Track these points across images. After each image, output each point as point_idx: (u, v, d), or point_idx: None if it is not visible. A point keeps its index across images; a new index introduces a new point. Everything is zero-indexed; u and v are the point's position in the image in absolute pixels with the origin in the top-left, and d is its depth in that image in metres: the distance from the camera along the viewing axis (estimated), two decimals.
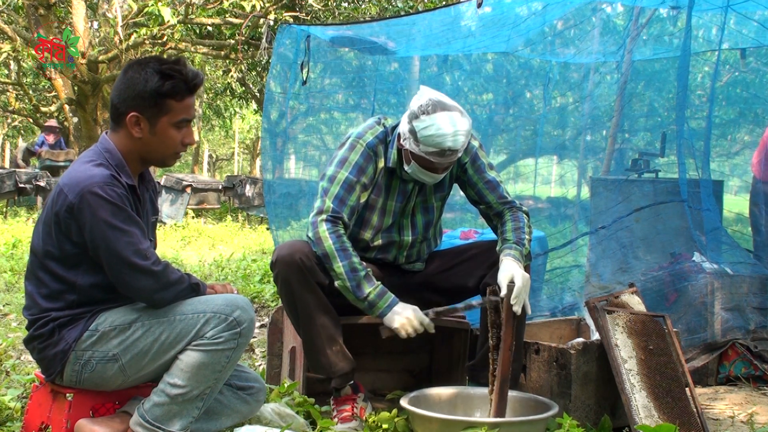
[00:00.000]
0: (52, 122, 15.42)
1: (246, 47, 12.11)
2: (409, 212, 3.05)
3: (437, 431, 2.58)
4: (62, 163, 14.00)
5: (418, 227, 3.08)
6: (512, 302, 2.67)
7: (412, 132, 2.77)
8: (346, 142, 2.96)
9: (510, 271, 2.73)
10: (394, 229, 3.05)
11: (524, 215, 3.00)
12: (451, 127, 2.72)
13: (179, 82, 2.37)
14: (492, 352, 2.69)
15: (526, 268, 2.87)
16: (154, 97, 2.35)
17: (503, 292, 2.69)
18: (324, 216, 2.82)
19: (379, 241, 3.04)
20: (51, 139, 14.64)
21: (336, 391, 2.91)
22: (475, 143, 3.03)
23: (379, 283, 2.80)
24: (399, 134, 2.89)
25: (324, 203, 2.85)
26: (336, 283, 2.80)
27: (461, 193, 3.18)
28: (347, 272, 2.76)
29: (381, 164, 2.94)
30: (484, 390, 2.85)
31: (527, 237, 2.92)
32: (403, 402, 2.68)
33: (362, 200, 2.92)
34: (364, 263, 2.83)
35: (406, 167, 2.89)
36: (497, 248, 2.91)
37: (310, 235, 2.82)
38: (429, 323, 2.77)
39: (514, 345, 2.69)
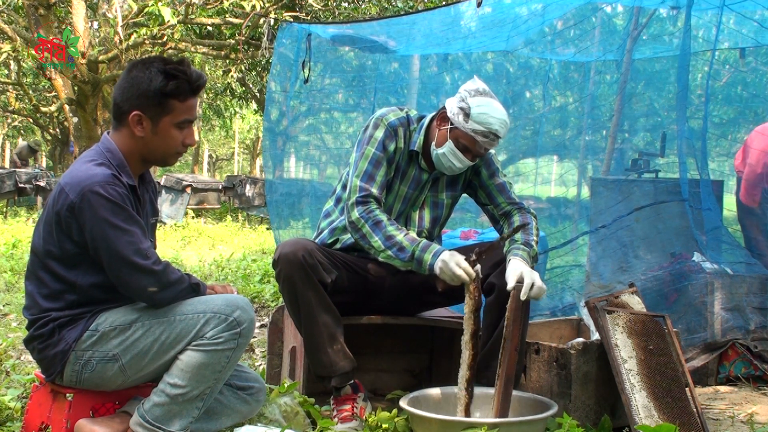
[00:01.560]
0: None
1: (246, 47, 12.11)
2: (418, 205, 3.08)
3: None
4: None
5: (425, 221, 3.10)
6: (522, 298, 2.67)
7: (464, 109, 2.85)
8: (371, 122, 3.01)
9: (518, 269, 2.74)
10: (402, 219, 3.07)
11: (532, 217, 3.03)
12: (502, 114, 2.85)
13: (183, 82, 2.37)
14: (471, 339, 2.69)
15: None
16: (157, 96, 2.35)
17: (510, 285, 2.70)
18: (353, 199, 2.88)
19: None
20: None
21: (336, 390, 2.91)
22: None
23: (420, 240, 2.82)
24: (437, 116, 2.96)
25: (352, 183, 2.91)
26: (380, 257, 2.84)
27: (463, 194, 3.20)
28: (384, 243, 2.81)
29: (401, 144, 2.99)
30: (485, 390, 2.86)
31: (534, 238, 2.94)
32: (403, 403, 2.68)
33: (390, 176, 2.98)
34: (401, 227, 2.86)
35: (437, 149, 2.93)
36: (504, 249, 2.92)
37: (347, 221, 2.90)
38: (470, 271, 2.71)
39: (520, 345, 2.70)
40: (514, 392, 2.77)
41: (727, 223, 4.52)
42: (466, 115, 2.84)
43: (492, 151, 3.07)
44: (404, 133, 3.01)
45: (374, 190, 2.89)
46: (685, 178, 3.97)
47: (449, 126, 2.90)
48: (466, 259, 2.73)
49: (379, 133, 2.95)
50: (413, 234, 2.88)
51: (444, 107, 2.97)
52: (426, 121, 3.02)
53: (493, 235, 4.37)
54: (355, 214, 2.86)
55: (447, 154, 2.91)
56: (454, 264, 2.71)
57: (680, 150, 4.04)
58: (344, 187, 3.03)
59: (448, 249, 2.82)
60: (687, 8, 3.89)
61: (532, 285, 2.69)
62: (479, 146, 2.88)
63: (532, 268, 2.85)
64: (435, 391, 2.89)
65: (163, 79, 2.34)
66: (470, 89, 2.88)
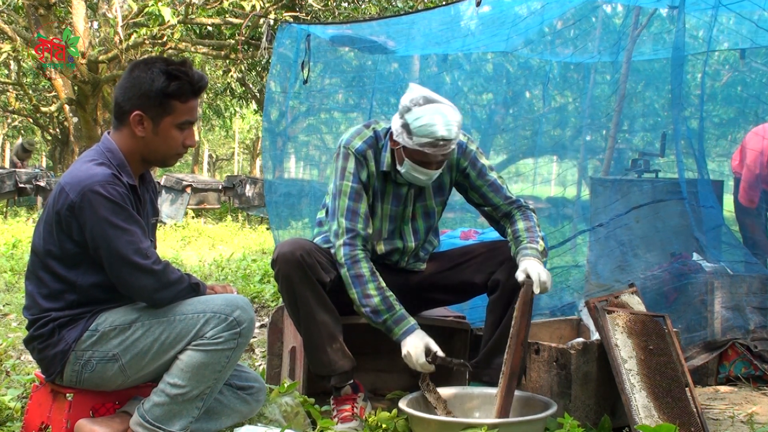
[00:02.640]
0: None
1: (246, 47, 12.11)
2: (408, 218, 3.05)
3: None
4: None
5: (420, 233, 3.08)
6: (536, 292, 2.69)
7: (405, 126, 2.77)
8: (339, 151, 2.96)
9: (528, 266, 2.74)
10: (396, 236, 3.04)
11: (532, 213, 3.01)
12: (444, 116, 2.74)
13: (185, 83, 2.37)
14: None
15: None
16: (159, 97, 2.35)
17: (519, 279, 2.71)
18: (341, 240, 2.85)
19: (382, 249, 3.04)
20: None
21: (336, 390, 2.91)
22: (473, 146, 3.03)
23: (396, 308, 2.81)
24: (391, 133, 2.89)
25: (338, 223, 2.87)
26: (354, 308, 2.84)
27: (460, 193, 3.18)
28: (360, 300, 2.80)
29: (372, 168, 2.94)
30: (484, 390, 2.86)
31: (540, 234, 2.93)
32: (402, 404, 2.69)
33: (370, 201, 2.94)
34: (382, 287, 2.83)
35: (399, 168, 2.89)
36: (513, 251, 2.91)
37: (336, 259, 2.86)
38: (424, 363, 2.76)
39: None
40: (516, 392, 2.76)
41: (727, 223, 4.53)
42: (408, 132, 2.77)
43: (472, 147, 3.02)
44: (374, 154, 2.95)
45: (360, 227, 2.86)
46: (683, 177, 3.97)
47: (400, 145, 2.84)
48: (428, 356, 2.75)
49: (351, 164, 2.90)
50: (391, 297, 2.82)
51: None
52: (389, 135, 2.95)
53: (493, 235, 4.37)
54: (341, 257, 2.83)
55: (409, 171, 2.87)
56: (415, 358, 2.74)
57: (678, 149, 4.04)
58: (334, 198, 2.99)
59: (419, 330, 2.79)
60: (680, 7, 3.90)
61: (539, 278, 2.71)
62: (434, 156, 2.80)
63: (544, 264, 2.85)
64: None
65: (165, 80, 2.35)
66: (406, 102, 2.79)
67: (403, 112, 2.79)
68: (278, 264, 2.81)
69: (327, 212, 3.07)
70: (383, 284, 2.83)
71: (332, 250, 2.88)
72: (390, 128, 2.94)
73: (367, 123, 3.03)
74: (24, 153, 15.90)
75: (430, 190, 3.04)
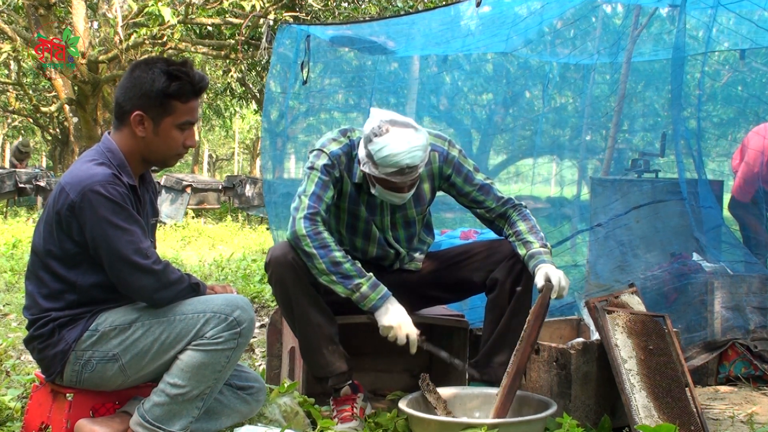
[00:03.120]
0: None
1: (246, 47, 12.11)
2: (388, 227, 3.02)
3: None
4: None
5: (402, 242, 3.07)
6: (553, 297, 2.70)
7: (369, 156, 2.72)
8: (312, 152, 2.92)
9: (549, 272, 2.75)
10: (384, 243, 3.04)
11: (528, 211, 3.00)
12: (406, 144, 2.66)
13: (186, 84, 2.37)
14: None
15: None
16: (159, 97, 2.35)
17: (539, 283, 2.72)
18: (301, 214, 2.77)
19: (374, 251, 3.04)
20: None
21: (336, 391, 2.91)
22: (455, 152, 2.98)
23: (370, 274, 2.77)
24: (359, 159, 2.84)
25: (300, 201, 2.81)
26: (322, 280, 2.76)
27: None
28: (329, 267, 2.72)
29: (345, 173, 2.89)
30: (485, 390, 2.86)
31: (542, 233, 2.92)
32: (402, 404, 2.69)
33: (335, 202, 2.90)
34: (349, 257, 2.79)
35: (372, 190, 2.86)
36: (522, 253, 2.88)
37: (288, 235, 2.78)
38: (414, 340, 2.73)
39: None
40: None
41: (727, 223, 4.53)
42: (373, 162, 2.70)
43: (454, 152, 2.96)
44: (347, 161, 2.89)
45: (322, 210, 2.80)
46: (683, 176, 3.97)
47: (367, 171, 2.77)
48: (419, 336, 2.74)
49: (321, 161, 2.84)
50: (358, 264, 2.78)
51: None
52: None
53: (492, 235, 4.37)
54: (302, 229, 2.73)
55: (383, 194, 2.84)
56: (406, 330, 2.71)
57: (677, 149, 4.04)
58: (301, 185, 2.95)
59: (395, 300, 2.75)
60: (681, 7, 3.90)
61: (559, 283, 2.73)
62: (402, 183, 2.76)
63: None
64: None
65: (165, 80, 2.35)
66: (367, 131, 2.72)
67: (366, 141, 2.73)
68: (271, 267, 2.80)
69: None
70: (347, 254, 2.79)
71: (289, 224, 2.80)
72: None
73: (343, 130, 2.96)
74: (21, 155, 15.90)
75: (409, 201, 2.99)
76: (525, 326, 2.69)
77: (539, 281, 2.74)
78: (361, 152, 2.78)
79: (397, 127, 2.69)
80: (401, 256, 3.09)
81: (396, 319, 2.73)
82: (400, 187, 2.80)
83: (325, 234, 2.76)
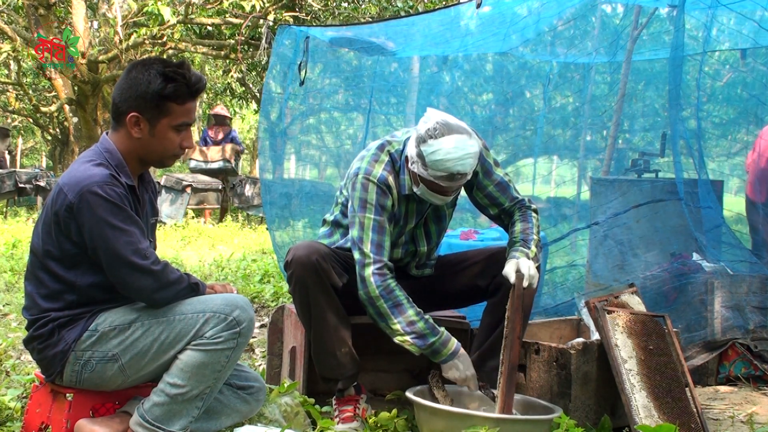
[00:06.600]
0: (219, 109, 12.49)
1: (246, 47, 12.10)
2: (421, 223, 3.02)
3: (442, 425, 2.57)
4: (216, 166, 12.04)
5: (433, 236, 3.06)
6: (525, 285, 2.68)
7: (420, 156, 2.70)
8: (357, 181, 2.84)
9: (516, 263, 2.73)
10: (409, 242, 3.02)
11: (533, 213, 2.97)
12: (460, 150, 2.65)
13: (182, 85, 2.37)
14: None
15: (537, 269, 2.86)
16: (155, 98, 2.35)
17: (511, 278, 2.70)
18: (369, 270, 2.75)
19: (399, 254, 3.02)
20: (214, 134, 12.19)
21: (339, 392, 2.91)
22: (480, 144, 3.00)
23: (442, 329, 2.78)
24: (407, 157, 2.83)
25: (364, 255, 2.78)
26: (396, 340, 2.78)
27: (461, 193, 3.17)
28: (404, 328, 2.74)
29: (395, 195, 2.87)
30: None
31: (535, 237, 2.88)
32: (409, 394, 2.69)
33: (393, 227, 2.90)
34: (420, 310, 2.78)
35: (415, 189, 2.84)
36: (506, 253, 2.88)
37: (361, 294, 2.77)
38: (475, 386, 2.79)
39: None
40: (516, 396, 2.76)
41: (727, 223, 4.53)
42: (424, 163, 2.69)
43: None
44: (395, 180, 2.85)
45: (386, 259, 2.78)
46: (680, 176, 3.97)
47: (415, 171, 2.76)
48: (481, 386, 2.82)
49: (372, 195, 2.80)
50: (430, 319, 2.78)
51: None
52: (405, 156, 2.88)
53: (493, 234, 4.37)
54: (375, 290, 2.72)
55: (425, 194, 2.82)
56: (471, 374, 2.78)
57: (674, 149, 4.04)
58: (343, 214, 2.96)
59: (464, 354, 2.80)
60: (680, 7, 3.89)
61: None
62: (449, 188, 2.76)
63: (537, 267, 2.84)
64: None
65: (161, 82, 2.34)
66: (422, 131, 2.70)
67: (419, 141, 2.71)
68: (293, 267, 2.77)
69: (333, 222, 3.05)
70: (418, 308, 2.79)
71: (359, 281, 2.79)
72: (404, 149, 2.88)
73: (380, 145, 2.92)
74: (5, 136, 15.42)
75: None
76: (506, 323, 2.68)
77: (510, 275, 2.71)
78: (412, 150, 2.76)
79: (453, 132, 2.68)
80: (420, 254, 3.05)
81: (462, 375, 2.77)
82: (445, 191, 2.78)
83: (396, 290, 2.76)
